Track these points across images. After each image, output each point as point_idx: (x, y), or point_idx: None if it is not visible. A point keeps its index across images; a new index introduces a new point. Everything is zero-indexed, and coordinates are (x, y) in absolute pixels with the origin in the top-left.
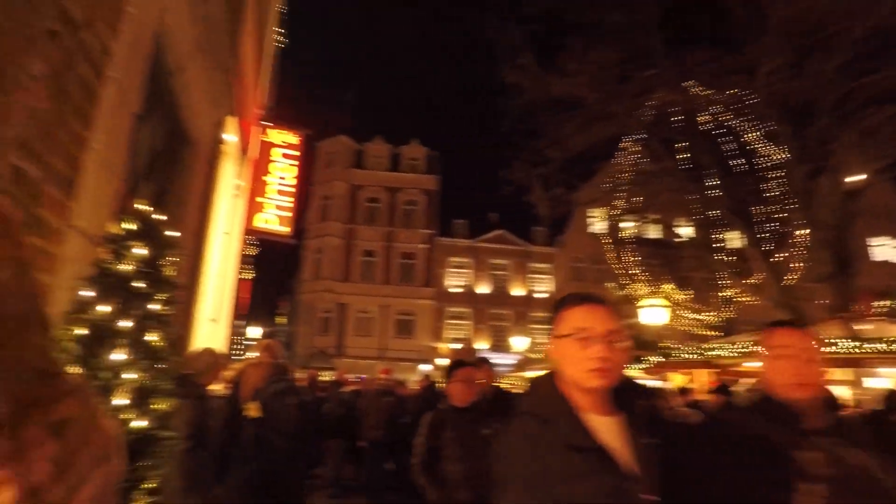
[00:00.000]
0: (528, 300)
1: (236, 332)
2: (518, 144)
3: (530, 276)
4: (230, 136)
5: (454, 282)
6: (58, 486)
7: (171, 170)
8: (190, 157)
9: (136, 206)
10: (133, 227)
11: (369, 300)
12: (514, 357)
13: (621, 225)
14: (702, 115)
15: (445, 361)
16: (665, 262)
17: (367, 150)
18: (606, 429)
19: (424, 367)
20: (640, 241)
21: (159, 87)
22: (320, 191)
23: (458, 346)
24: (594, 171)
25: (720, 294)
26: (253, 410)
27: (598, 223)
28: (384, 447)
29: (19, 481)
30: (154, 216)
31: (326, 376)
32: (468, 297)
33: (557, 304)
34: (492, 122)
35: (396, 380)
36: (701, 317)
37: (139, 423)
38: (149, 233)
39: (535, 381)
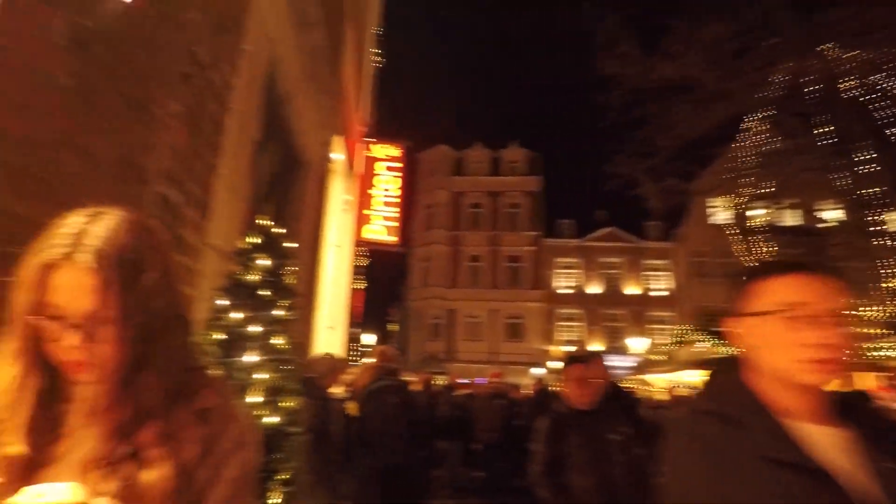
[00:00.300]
0: (643, 299)
1: (352, 339)
2: (622, 137)
3: (645, 273)
4: (337, 155)
5: (563, 283)
6: (205, 465)
7: (286, 188)
8: (302, 175)
9: (258, 221)
10: (257, 240)
11: (478, 305)
12: (633, 359)
13: (749, 213)
14: (845, 82)
15: (558, 364)
16: (808, 251)
17: (466, 156)
18: (828, 443)
19: (536, 371)
20: (774, 230)
21: (274, 115)
22: (424, 200)
23: (571, 348)
24: (712, 156)
25: (884, 285)
26: (351, 409)
27: (720, 213)
28: (498, 449)
29: (173, 458)
30: (274, 230)
31: (440, 380)
32: (579, 297)
33: (752, 274)
34: (592, 116)
35: (509, 383)
36: (859, 312)
37: (271, 419)
38: (271, 245)
39: (715, 372)
